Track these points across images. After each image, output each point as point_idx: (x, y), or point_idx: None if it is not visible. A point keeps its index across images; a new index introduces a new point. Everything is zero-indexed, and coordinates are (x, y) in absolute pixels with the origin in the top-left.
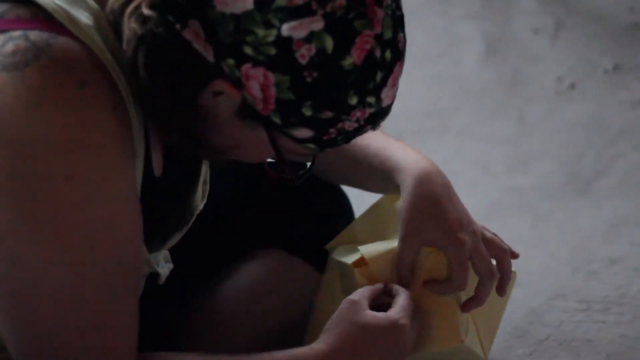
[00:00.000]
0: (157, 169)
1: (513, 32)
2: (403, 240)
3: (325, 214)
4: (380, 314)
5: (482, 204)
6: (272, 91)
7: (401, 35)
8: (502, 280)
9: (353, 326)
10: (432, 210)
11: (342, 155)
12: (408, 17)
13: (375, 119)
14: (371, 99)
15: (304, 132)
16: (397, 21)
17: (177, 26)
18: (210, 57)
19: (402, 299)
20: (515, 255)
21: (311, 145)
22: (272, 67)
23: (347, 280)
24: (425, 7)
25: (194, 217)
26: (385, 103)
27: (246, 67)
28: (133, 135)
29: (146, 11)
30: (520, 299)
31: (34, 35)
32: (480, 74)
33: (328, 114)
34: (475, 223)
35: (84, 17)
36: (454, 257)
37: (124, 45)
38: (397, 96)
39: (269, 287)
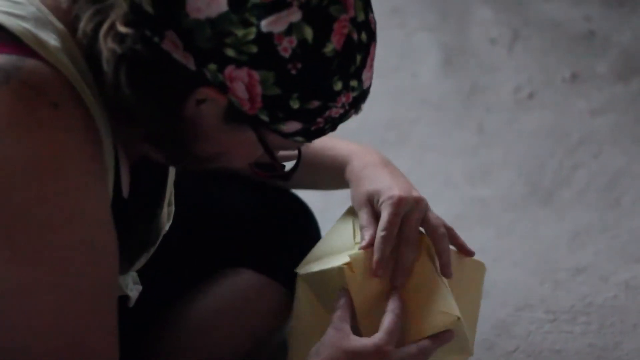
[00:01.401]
0: (125, 190)
1: (470, 42)
2: (358, 210)
3: (293, 234)
4: (366, 340)
5: (444, 216)
6: (258, 89)
7: (371, 15)
8: (440, 260)
9: (338, 352)
10: (376, 178)
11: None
12: None
13: (358, 102)
14: (354, 82)
15: (292, 126)
16: (366, 2)
17: (155, 39)
18: (191, 65)
19: (387, 321)
20: (469, 252)
21: (299, 138)
22: (256, 65)
23: (330, 286)
24: (381, 19)
25: (160, 238)
26: (365, 85)
27: (229, 69)
28: (104, 156)
29: (122, 29)
30: (488, 310)
31: (2, 59)
32: (438, 85)
33: (315, 104)
34: (422, 198)
35: (52, 40)
36: (386, 209)
37: (104, 66)
38: None
39: (238, 306)
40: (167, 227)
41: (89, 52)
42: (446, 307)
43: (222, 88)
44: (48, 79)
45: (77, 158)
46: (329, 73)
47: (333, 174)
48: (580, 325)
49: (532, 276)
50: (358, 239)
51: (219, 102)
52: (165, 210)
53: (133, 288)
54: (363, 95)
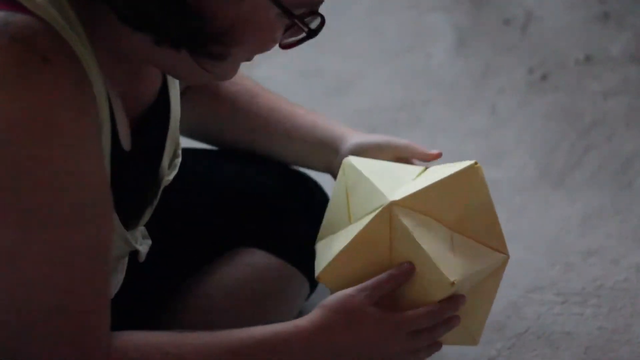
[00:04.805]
0: (126, 143)
1: (483, 23)
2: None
3: (304, 213)
4: (384, 312)
5: None
6: None
7: None
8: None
9: (327, 310)
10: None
11: (285, 133)
12: (377, 10)
13: None
14: None
15: None
16: None
17: None
18: None
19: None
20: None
21: None
22: None
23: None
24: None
25: (161, 189)
26: None
27: None
28: (98, 110)
29: None
30: (498, 292)
31: None
32: (451, 66)
33: None
34: None
35: None
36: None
37: None
38: (367, 90)
39: (250, 287)
40: (170, 177)
41: None
42: (439, 275)
43: None
44: (37, 33)
45: (69, 114)
46: None
47: (321, 149)
48: (590, 307)
49: (543, 258)
50: (352, 221)
51: None
52: (166, 160)
53: (143, 242)
54: None
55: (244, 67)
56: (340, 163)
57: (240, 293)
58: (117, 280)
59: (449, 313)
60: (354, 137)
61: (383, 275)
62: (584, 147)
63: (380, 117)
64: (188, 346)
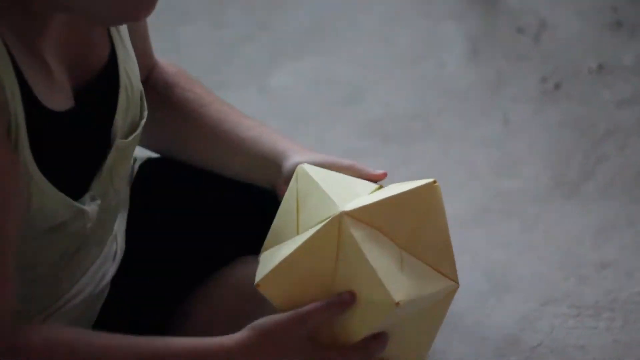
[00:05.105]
0: (55, 104)
1: (496, 32)
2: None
3: None
4: (313, 347)
5: (469, 208)
6: None
7: None
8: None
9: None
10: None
11: (230, 143)
12: (390, 19)
13: None
14: None
15: None
16: None
17: None
18: None
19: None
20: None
21: None
22: None
23: None
24: (407, 8)
25: (112, 153)
26: None
27: None
28: None
29: None
30: (511, 305)
31: None
32: (464, 75)
33: None
34: None
35: None
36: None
37: None
38: (381, 99)
39: (251, 294)
40: (128, 139)
41: None
42: (381, 293)
43: None
44: None
45: None
46: None
47: (267, 162)
48: (604, 321)
49: (557, 270)
50: (300, 231)
51: None
52: (120, 119)
53: (91, 204)
54: None
55: (258, 77)
56: (283, 181)
57: (246, 300)
58: (104, 270)
59: (378, 351)
60: (297, 155)
61: (319, 304)
62: (597, 157)
63: (393, 125)
64: (97, 345)
